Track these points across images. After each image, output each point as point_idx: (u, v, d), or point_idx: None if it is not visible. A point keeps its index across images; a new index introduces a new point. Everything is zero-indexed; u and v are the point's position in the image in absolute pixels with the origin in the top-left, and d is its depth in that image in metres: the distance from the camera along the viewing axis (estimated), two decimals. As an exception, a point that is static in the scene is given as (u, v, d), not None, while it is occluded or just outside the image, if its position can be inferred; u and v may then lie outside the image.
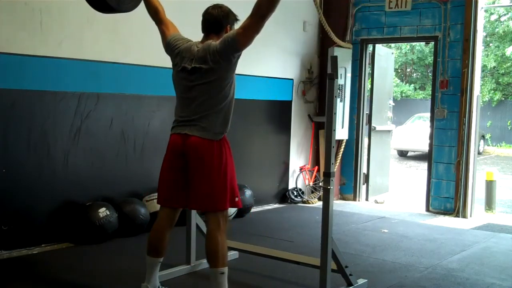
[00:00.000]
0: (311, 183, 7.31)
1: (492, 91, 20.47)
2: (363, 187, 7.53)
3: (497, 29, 20.72)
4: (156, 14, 3.40)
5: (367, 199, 7.52)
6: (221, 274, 3.05)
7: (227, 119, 3.11)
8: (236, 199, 3.16)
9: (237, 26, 3.15)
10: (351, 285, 3.59)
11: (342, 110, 7.16)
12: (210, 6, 3.21)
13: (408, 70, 25.93)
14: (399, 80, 24.09)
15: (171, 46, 3.23)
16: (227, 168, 3.10)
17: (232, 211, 5.67)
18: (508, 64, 20.64)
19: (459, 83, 6.54)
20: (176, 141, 3.12)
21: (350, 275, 3.57)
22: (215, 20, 3.15)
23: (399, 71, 25.12)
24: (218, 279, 3.05)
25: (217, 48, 3.00)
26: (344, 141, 7.37)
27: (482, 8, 6.64)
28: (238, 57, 3.06)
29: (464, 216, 6.53)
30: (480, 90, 7.28)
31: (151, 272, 3.29)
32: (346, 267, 3.53)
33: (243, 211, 5.94)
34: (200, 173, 3.04)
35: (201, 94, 3.04)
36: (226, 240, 3.13)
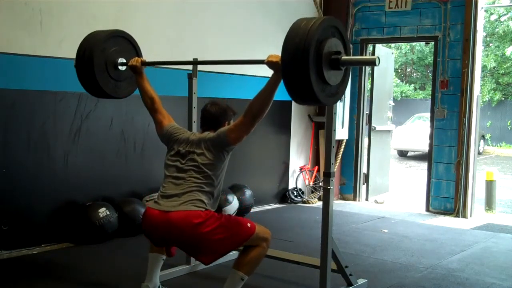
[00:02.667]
0: (311, 183, 7.31)
1: (492, 91, 20.47)
2: (363, 187, 7.53)
3: (497, 29, 20.72)
4: (153, 104, 3.40)
5: (367, 199, 7.52)
6: (240, 279, 3.04)
7: (215, 199, 3.05)
8: (249, 224, 3.07)
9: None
10: (351, 285, 3.59)
11: (342, 110, 7.16)
12: (208, 103, 3.25)
13: (408, 70, 25.93)
14: (399, 80, 24.09)
15: (170, 134, 3.22)
16: (222, 219, 2.96)
17: (232, 210, 5.67)
18: (508, 64, 20.64)
19: (459, 83, 6.54)
20: (154, 219, 2.96)
21: (350, 275, 3.57)
22: (213, 117, 3.19)
23: (399, 71, 25.13)
24: (235, 282, 3.04)
25: (212, 138, 3.05)
26: (344, 141, 7.37)
27: (482, 8, 6.64)
28: (231, 150, 3.09)
29: (464, 216, 6.53)
30: (480, 90, 7.28)
31: (152, 271, 3.29)
32: (346, 267, 3.53)
33: (243, 211, 5.95)
34: (198, 245, 2.91)
35: (191, 176, 2.99)
36: (265, 254, 3.11)
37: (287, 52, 2.64)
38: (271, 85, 2.95)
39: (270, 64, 2.93)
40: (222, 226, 2.92)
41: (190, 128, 3.97)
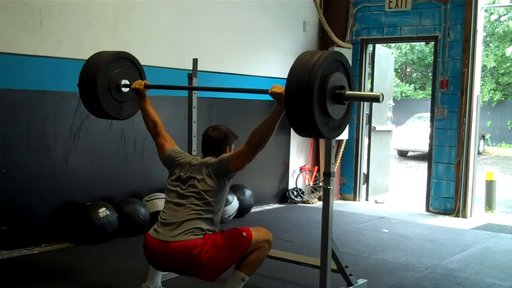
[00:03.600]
0: (311, 183, 7.31)
1: (492, 91, 20.46)
2: (363, 187, 7.53)
3: (497, 29, 20.72)
4: (155, 127, 3.39)
5: (367, 199, 7.52)
6: (241, 280, 3.06)
7: (215, 224, 3.03)
8: (244, 234, 3.08)
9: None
10: (351, 285, 3.59)
11: (342, 110, 7.15)
12: (209, 128, 3.25)
13: (408, 70, 25.93)
14: (399, 80, 24.09)
15: (172, 158, 3.21)
16: (216, 239, 2.96)
17: (232, 210, 5.67)
18: (508, 64, 20.64)
19: (459, 83, 6.54)
20: (155, 248, 2.97)
21: (350, 275, 3.57)
22: (214, 142, 3.18)
23: (399, 71, 25.12)
24: (236, 282, 3.06)
25: (213, 164, 3.04)
26: (344, 141, 7.37)
27: (482, 8, 6.64)
28: (231, 178, 3.10)
29: (464, 216, 6.53)
30: (480, 90, 7.28)
31: (155, 271, 3.30)
32: (346, 267, 3.53)
33: (243, 211, 5.95)
34: (197, 270, 2.94)
35: (191, 202, 2.99)
36: (266, 255, 3.13)
37: (292, 85, 2.65)
38: (274, 115, 2.96)
39: (273, 94, 2.95)
40: (220, 246, 2.94)
41: (190, 129, 3.97)
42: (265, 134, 2.98)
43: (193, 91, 3.94)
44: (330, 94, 2.69)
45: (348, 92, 2.77)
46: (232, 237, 3.04)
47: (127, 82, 3.60)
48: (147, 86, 3.49)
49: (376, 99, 2.78)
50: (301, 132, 2.84)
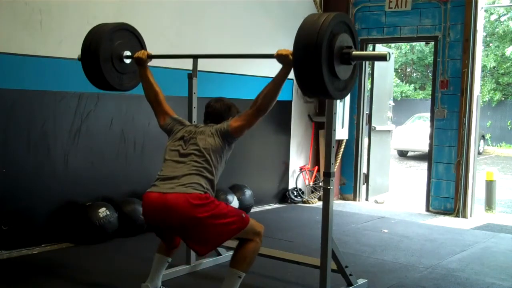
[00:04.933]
0: (311, 183, 7.31)
1: (492, 91, 20.46)
2: (363, 187, 7.53)
3: (497, 29, 20.72)
4: (156, 96, 3.43)
5: (367, 199, 7.52)
6: (238, 277, 3.04)
7: (213, 184, 3.04)
8: (244, 215, 3.07)
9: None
10: (351, 285, 3.59)
11: (342, 110, 7.16)
12: (212, 99, 3.28)
13: (408, 70, 25.93)
14: (399, 80, 24.08)
15: (175, 123, 3.25)
16: (219, 206, 2.97)
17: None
18: (508, 64, 20.64)
19: (459, 83, 6.54)
20: (154, 202, 2.95)
21: (350, 275, 3.57)
22: (217, 113, 3.22)
23: (399, 71, 25.12)
24: (233, 281, 3.04)
25: (216, 127, 3.10)
26: (344, 141, 7.37)
27: (482, 8, 6.64)
28: (233, 142, 3.12)
29: (464, 216, 6.53)
30: (480, 90, 7.28)
31: (156, 271, 3.29)
32: (346, 267, 3.53)
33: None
34: (195, 229, 2.90)
35: (191, 159, 3.01)
36: (258, 249, 3.11)
37: (300, 45, 2.67)
38: (279, 78, 2.98)
39: (280, 57, 2.98)
40: (220, 213, 2.94)
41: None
42: (269, 98, 2.98)
43: (193, 92, 3.94)
44: (337, 54, 2.72)
45: (354, 52, 2.78)
46: (234, 212, 3.05)
47: (129, 53, 3.63)
48: (150, 56, 3.53)
49: (383, 57, 2.80)
50: (308, 92, 2.86)
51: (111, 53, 3.56)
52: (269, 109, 3.00)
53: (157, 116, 3.40)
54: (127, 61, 3.65)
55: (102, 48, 3.48)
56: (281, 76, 2.98)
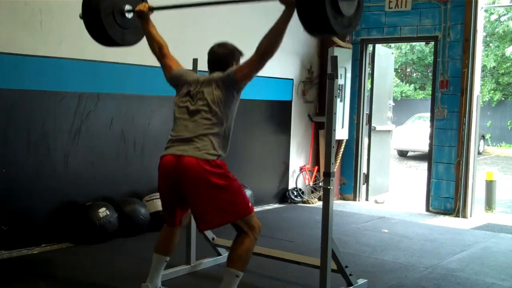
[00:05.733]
0: (311, 183, 7.31)
1: (492, 91, 20.46)
2: (363, 187, 7.53)
3: (497, 29, 20.72)
4: (161, 48, 3.41)
5: (367, 199, 7.52)
6: (235, 276, 3.04)
7: (225, 143, 3.06)
8: (250, 204, 3.12)
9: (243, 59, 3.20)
10: (351, 285, 3.59)
11: (342, 110, 7.17)
12: (215, 45, 3.24)
13: (408, 70, 25.92)
14: (399, 80, 24.08)
15: (179, 76, 3.23)
16: (231, 180, 3.00)
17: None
18: (508, 64, 20.64)
19: (459, 83, 6.54)
20: (169, 164, 3.00)
21: (350, 275, 3.57)
22: (221, 59, 3.18)
23: (399, 71, 25.12)
24: (231, 280, 3.04)
25: (221, 76, 3.06)
26: (344, 141, 7.37)
27: (482, 8, 6.64)
28: (240, 90, 3.11)
29: (464, 216, 6.53)
30: (480, 90, 7.28)
31: (155, 271, 3.29)
32: (346, 267, 3.53)
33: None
34: (203, 195, 2.94)
35: (201, 116, 3.02)
36: (253, 246, 3.10)
37: None
38: (282, 20, 2.96)
39: None
40: (231, 189, 2.98)
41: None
42: (273, 42, 2.95)
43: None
44: None
45: None
46: (243, 195, 3.07)
47: (130, 7, 3.57)
48: (151, 8, 3.49)
49: None
50: (312, 29, 2.86)
51: (112, 7, 3.48)
52: (274, 52, 2.96)
53: (163, 69, 3.38)
54: (129, 15, 3.56)
55: (103, 3, 3.41)
56: (284, 19, 2.95)
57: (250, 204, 3.09)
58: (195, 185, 2.93)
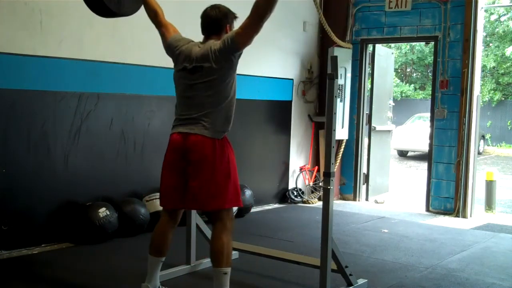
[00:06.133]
0: (311, 183, 7.31)
1: (492, 91, 20.47)
2: (363, 187, 7.53)
3: (497, 29, 20.72)
4: (156, 17, 3.40)
5: (367, 199, 7.52)
6: (224, 274, 3.05)
7: (228, 118, 3.11)
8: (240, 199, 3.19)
9: (237, 24, 3.16)
10: (351, 285, 3.59)
11: (342, 110, 7.17)
12: (208, 7, 3.21)
13: (408, 70, 25.93)
14: (399, 80, 24.08)
15: (172, 46, 3.23)
16: (230, 166, 3.09)
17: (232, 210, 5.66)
18: (508, 64, 20.64)
19: (459, 83, 6.54)
20: (176, 141, 3.09)
21: (350, 275, 3.57)
22: (214, 21, 3.15)
23: (399, 71, 25.12)
24: (221, 279, 3.05)
25: (218, 48, 3.02)
26: (344, 141, 7.37)
27: (482, 8, 6.64)
28: (239, 56, 3.08)
29: (464, 216, 6.53)
30: (480, 90, 7.28)
31: (153, 272, 3.29)
32: (346, 267, 3.53)
33: (243, 211, 5.94)
34: (203, 172, 3.01)
35: (202, 93, 3.04)
36: (231, 240, 3.13)
37: None
38: None
39: None
40: (227, 173, 3.06)
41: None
42: (269, 2, 2.87)
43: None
44: None
45: None
46: (237, 187, 3.13)
47: None
48: None
49: None
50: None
51: None
52: (271, 12, 2.89)
53: (161, 38, 3.36)
54: None
55: None
56: None
57: (240, 198, 3.17)
58: (199, 163, 3.00)
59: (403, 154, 15.71)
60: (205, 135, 3.01)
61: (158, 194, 5.19)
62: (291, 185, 7.18)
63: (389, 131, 8.61)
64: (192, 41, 3.23)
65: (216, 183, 3.03)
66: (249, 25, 2.94)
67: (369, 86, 7.85)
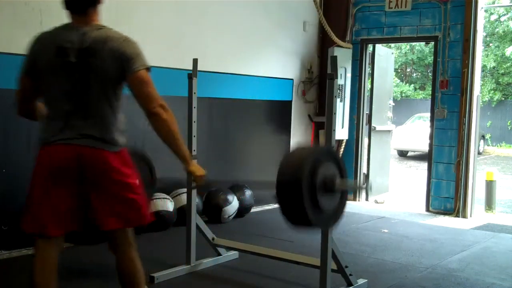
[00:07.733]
0: (311, 183, 7.29)
1: (492, 91, 20.47)
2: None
3: (497, 29, 20.72)
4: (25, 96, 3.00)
5: (367, 199, 7.52)
6: None
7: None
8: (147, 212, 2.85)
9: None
10: (351, 285, 3.59)
11: (342, 110, 7.16)
12: None
13: (408, 70, 25.93)
14: (399, 80, 24.09)
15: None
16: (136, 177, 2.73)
17: (232, 210, 5.65)
18: (508, 64, 20.64)
19: (459, 83, 6.54)
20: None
21: (350, 275, 3.57)
22: None
23: (399, 71, 25.12)
24: None
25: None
26: (344, 141, 7.37)
27: (482, 8, 6.64)
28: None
29: (464, 216, 6.53)
30: (480, 90, 7.28)
31: None
32: (346, 267, 3.53)
33: (243, 211, 5.94)
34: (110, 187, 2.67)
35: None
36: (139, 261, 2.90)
37: (282, 183, 2.88)
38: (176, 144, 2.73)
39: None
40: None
41: (190, 129, 3.97)
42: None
43: (193, 92, 3.95)
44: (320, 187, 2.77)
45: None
46: (142, 193, 2.75)
47: None
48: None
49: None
50: (295, 225, 2.90)
51: None
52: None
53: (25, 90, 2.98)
54: None
55: None
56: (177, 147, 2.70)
57: (147, 212, 2.83)
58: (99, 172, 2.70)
59: (403, 154, 15.71)
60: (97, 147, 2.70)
61: (158, 194, 5.20)
62: (291, 185, 7.16)
63: (389, 131, 8.60)
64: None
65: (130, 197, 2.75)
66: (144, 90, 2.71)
67: (369, 86, 7.85)
